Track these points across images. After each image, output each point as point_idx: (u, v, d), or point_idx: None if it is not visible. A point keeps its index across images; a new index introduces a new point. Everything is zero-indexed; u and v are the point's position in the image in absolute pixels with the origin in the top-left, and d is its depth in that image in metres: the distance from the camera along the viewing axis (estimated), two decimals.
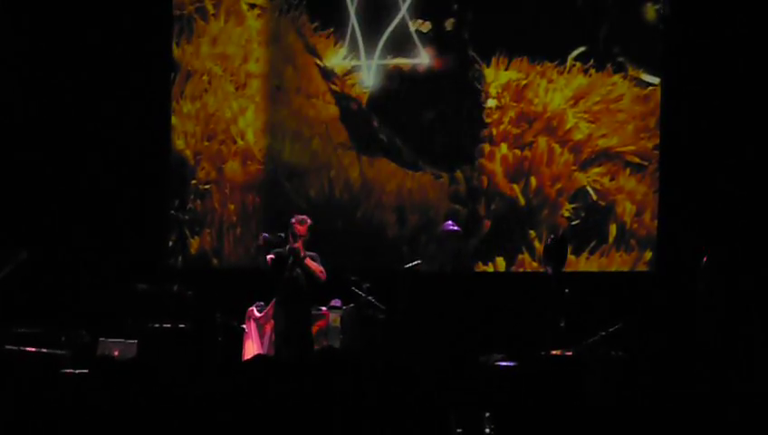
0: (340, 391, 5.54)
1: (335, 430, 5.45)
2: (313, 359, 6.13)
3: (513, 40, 13.46)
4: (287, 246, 11.78)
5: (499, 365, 10.53)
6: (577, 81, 13.28)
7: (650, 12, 13.17)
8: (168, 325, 12.40)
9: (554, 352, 10.82)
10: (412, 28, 13.75)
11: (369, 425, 5.49)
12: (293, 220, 11.84)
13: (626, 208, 13.10)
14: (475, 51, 13.52)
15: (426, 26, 13.70)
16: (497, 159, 13.43)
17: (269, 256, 11.82)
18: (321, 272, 11.74)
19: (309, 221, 11.83)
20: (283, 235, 11.93)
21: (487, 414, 7.00)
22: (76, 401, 5.71)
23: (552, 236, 11.87)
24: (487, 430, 6.97)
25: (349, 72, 14.01)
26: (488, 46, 13.52)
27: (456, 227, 12.43)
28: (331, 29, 14.04)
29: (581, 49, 13.23)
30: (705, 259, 11.30)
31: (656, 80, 13.10)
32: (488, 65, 13.49)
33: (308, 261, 11.72)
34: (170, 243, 14.39)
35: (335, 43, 14.03)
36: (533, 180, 13.32)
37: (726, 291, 11.50)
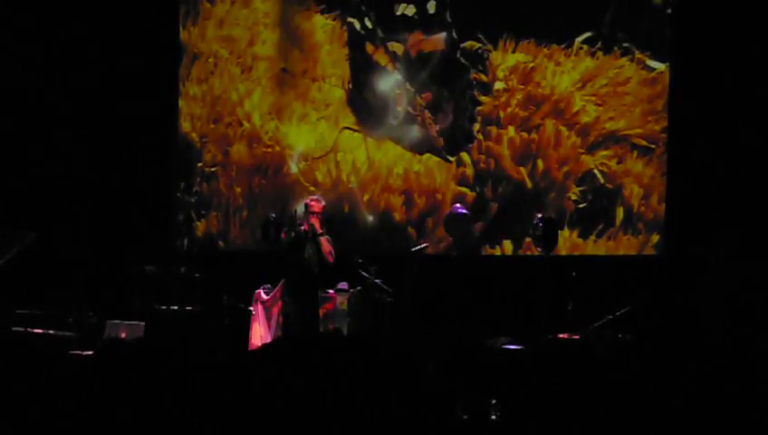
0: (345, 375, 5.54)
1: (340, 413, 5.44)
2: (320, 341, 6.12)
3: (520, 22, 13.43)
4: (300, 227, 11.82)
5: (505, 348, 10.52)
6: (584, 63, 13.26)
7: None
8: (176, 308, 12.41)
9: (561, 336, 10.83)
10: (408, 12, 13.74)
11: (375, 409, 5.48)
12: (309, 200, 11.91)
13: (633, 191, 13.09)
14: (482, 33, 13.49)
15: (432, 6, 13.68)
16: (504, 142, 13.41)
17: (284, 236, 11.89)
18: (331, 253, 11.76)
19: (323, 202, 11.93)
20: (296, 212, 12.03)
21: (494, 401, 6.97)
22: (83, 383, 5.71)
23: (540, 217, 11.84)
24: (493, 417, 6.95)
25: None
26: (495, 29, 13.49)
27: (463, 210, 12.42)
28: (338, 11, 14.00)
29: (587, 34, 13.22)
30: (711, 251, 11.34)
31: (661, 65, 13.08)
32: (495, 48, 13.47)
33: (323, 239, 11.75)
34: (177, 225, 14.40)
35: (342, 26, 14.00)
36: (540, 163, 13.30)
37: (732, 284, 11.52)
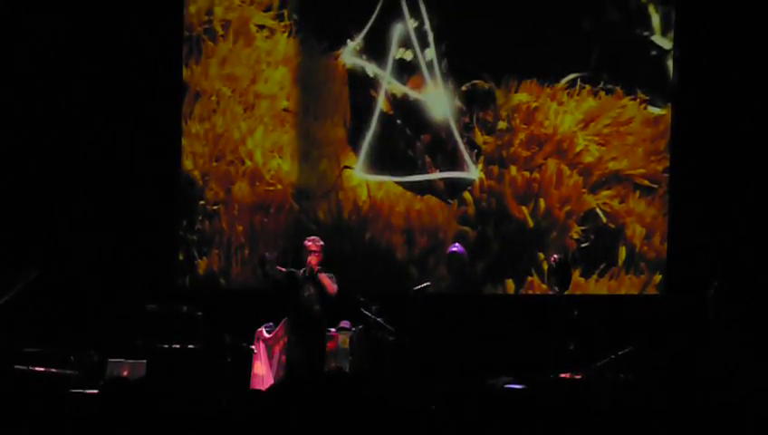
0: (347, 414, 5.53)
1: None
2: (324, 381, 6.11)
3: (522, 62, 13.48)
4: (302, 269, 11.89)
5: (507, 388, 10.49)
6: (587, 103, 13.30)
7: (659, 40, 13.24)
8: (178, 346, 12.38)
9: (563, 375, 10.80)
10: (401, 55, 13.80)
11: None
12: (306, 241, 11.97)
13: (635, 231, 13.10)
14: (485, 73, 13.53)
15: (431, 51, 13.74)
16: (506, 180, 13.43)
17: (278, 269, 11.96)
18: (332, 286, 11.79)
19: (321, 242, 11.97)
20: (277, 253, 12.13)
21: None
22: (85, 422, 5.70)
23: (555, 257, 11.86)
24: None
25: None
26: (496, 70, 13.54)
27: (455, 248, 12.41)
28: (340, 51, 14.04)
29: (574, 75, 13.31)
30: (713, 287, 11.28)
31: (662, 110, 13.15)
32: (498, 87, 13.52)
33: (321, 275, 11.79)
34: (178, 263, 14.37)
35: (343, 65, 14.03)
36: (542, 202, 13.32)
37: (734, 318, 11.47)
